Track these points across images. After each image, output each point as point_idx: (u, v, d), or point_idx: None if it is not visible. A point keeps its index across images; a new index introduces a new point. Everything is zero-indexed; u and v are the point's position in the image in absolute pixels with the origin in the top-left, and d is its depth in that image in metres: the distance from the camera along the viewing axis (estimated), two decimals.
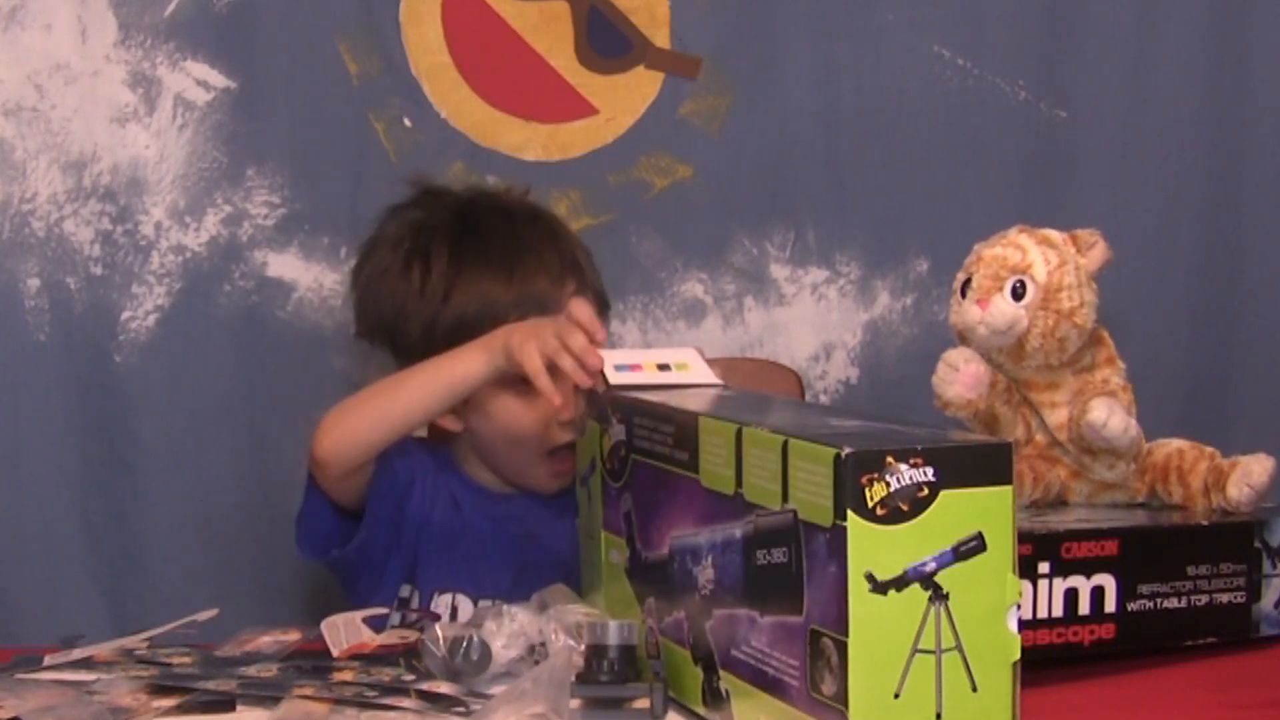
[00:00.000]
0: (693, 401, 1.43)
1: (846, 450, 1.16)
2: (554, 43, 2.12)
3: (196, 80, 2.05)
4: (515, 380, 1.66)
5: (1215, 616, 1.55)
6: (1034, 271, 1.63)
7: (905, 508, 1.16)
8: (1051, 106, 2.17)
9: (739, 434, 1.27)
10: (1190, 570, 1.54)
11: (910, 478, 1.16)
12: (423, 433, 1.89)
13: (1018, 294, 1.62)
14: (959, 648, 1.18)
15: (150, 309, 2.04)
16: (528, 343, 1.56)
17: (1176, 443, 1.70)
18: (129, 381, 2.04)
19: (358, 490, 1.73)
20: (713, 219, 2.16)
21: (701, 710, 1.35)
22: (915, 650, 1.17)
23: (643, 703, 1.33)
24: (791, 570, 1.21)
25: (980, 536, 1.18)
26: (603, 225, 2.14)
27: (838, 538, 1.16)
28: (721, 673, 1.31)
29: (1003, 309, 1.62)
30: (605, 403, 1.50)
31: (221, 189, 2.06)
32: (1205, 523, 1.60)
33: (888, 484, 1.16)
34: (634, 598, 1.45)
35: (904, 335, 2.17)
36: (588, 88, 2.13)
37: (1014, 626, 1.20)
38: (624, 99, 2.13)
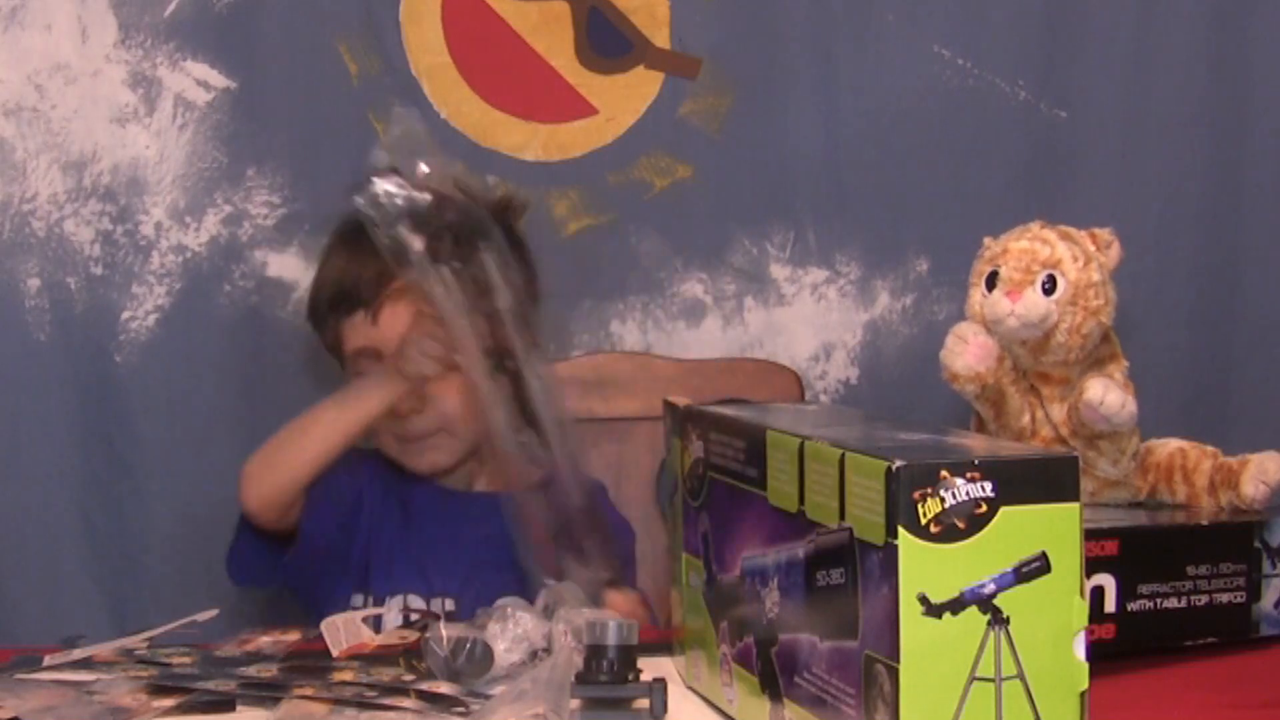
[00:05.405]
0: (768, 416, 1.37)
1: (897, 463, 1.09)
2: (554, 43, 2.12)
3: (196, 80, 2.05)
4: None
5: (1215, 616, 1.55)
6: (1064, 267, 1.63)
7: (962, 525, 1.09)
8: (1051, 106, 2.17)
9: (801, 448, 1.21)
10: (1190, 570, 1.54)
11: (967, 493, 1.09)
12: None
13: (1047, 289, 1.63)
14: (1021, 676, 1.11)
15: (150, 309, 2.04)
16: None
17: (1177, 442, 1.70)
18: (129, 381, 2.04)
19: (294, 521, 1.76)
20: (713, 219, 2.16)
21: None
22: (973, 678, 1.10)
23: (642, 703, 1.33)
24: (848, 592, 1.14)
25: (1044, 556, 1.11)
26: (603, 225, 2.14)
27: (889, 557, 1.09)
28: (786, 701, 1.24)
29: (1035, 302, 1.63)
30: (684, 418, 1.44)
31: (221, 189, 2.06)
32: (1205, 523, 1.60)
33: (942, 499, 1.09)
34: (710, 623, 1.39)
35: (904, 335, 2.17)
36: (588, 88, 2.13)
37: (1081, 654, 1.12)
38: (624, 99, 2.13)
